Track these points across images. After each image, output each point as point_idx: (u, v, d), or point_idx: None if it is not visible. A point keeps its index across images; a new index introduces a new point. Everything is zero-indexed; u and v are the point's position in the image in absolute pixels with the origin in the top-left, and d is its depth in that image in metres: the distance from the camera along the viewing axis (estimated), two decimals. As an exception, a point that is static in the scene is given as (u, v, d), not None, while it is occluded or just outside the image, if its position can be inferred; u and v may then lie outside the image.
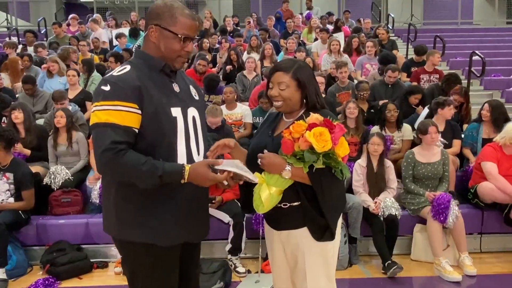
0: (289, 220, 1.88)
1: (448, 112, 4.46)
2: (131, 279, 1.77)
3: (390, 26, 11.10)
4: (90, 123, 1.64)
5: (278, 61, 6.13)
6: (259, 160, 1.75)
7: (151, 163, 1.58)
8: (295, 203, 1.84)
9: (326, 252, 1.88)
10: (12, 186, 3.77)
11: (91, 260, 3.76)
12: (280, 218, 1.90)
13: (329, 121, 1.72)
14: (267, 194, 1.76)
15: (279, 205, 1.84)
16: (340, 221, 1.94)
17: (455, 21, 13.09)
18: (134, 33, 8.34)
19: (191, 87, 1.86)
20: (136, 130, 1.62)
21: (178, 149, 1.68)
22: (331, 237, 1.85)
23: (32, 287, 3.35)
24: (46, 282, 3.42)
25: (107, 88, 1.59)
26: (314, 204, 1.81)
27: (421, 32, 10.36)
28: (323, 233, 1.84)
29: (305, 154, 1.69)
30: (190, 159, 1.72)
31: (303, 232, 1.86)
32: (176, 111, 1.69)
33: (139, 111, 1.60)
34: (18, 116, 4.37)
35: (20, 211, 3.73)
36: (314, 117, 1.74)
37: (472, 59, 6.81)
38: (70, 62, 6.58)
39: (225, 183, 1.62)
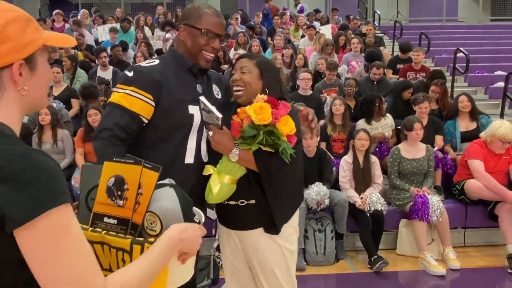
0: (246, 219, 1.82)
1: (424, 109, 4.53)
2: None
3: (376, 23, 11.19)
4: (108, 101, 1.76)
5: None
6: (209, 134, 1.68)
7: None
8: (252, 201, 1.79)
9: (285, 250, 1.84)
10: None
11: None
12: (236, 217, 1.84)
13: (273, 99, 1.68)
14: (218, 185, 1.70)
15: (236, 202, 1.80)
16: (296, 216, 1.89)
17: (440, 18, 13.26)
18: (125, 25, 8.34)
19: (214, 85, 1.90)
20: (145, 120, 1.68)
21: (188, 145, 1.75)
22: (276, 231, 1.79)
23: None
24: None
25: (130, 74, 1.70)
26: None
27: (407, 29, 10.45)
28: (272, 226, 1.79)
29: (246, 129, 1.63)
30: (198, 156, 1.78)
31: (258, 233, 1.81)
32: (193, 109, 1.75)
33: (153, 103, 1.68)
34: None
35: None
36: (260, 97, 1.70)
37: (456, 56, 6.90)
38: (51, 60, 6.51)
39: None
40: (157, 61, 1.77)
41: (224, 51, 7.15)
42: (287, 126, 1.63)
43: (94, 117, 4.22)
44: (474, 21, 14.00)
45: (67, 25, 9.22)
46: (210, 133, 1.68)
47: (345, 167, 3.97)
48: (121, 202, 1.11)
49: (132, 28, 8.99)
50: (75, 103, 5.41)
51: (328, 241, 3.71)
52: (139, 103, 1.65)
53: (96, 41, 8.57)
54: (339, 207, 3.78)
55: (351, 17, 10.53)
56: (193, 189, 1.75)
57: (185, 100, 1.74)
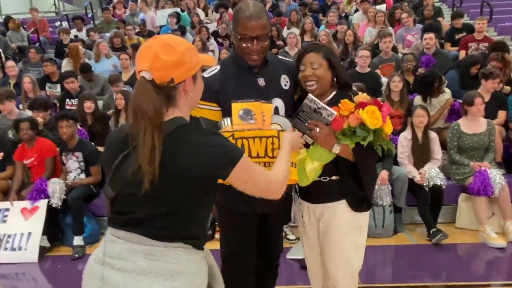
0: (327, 193, 2.00)
1: (491, 85, 4.44)
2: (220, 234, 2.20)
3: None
4: None
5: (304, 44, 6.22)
6: (315, 130, 1.84)
7: None
8: (334, 177, 1.97)
9: (360, 223, 2.00)
10: (82, 163, 4.19)
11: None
12: (318, 192, 2.01)
13: (377, 101, 1.84)
14: (311, 167, 1.88)
15: (319, 179, 1.97)
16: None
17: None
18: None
19: (283, 76, 1.99)
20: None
21: None
22: (368, 207, 1.99)
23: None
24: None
25: None
26: (353, 177, 1.94)
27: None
28: (360, 204, 1.98)
29: (357, 130, 1.80)
30: None
31: (341, 205, 1.97)
32: None
33: (218, 108, 1.95)
34: (90, 106, 4.77)
35: (91, 186, 4.16)
36: (362, 96, 1.86)
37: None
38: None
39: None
40: (218, 68, 1.96)
41: (277, 29, 7.28)
42: (389, 126, 1.82)
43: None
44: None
45: (127, 11, 9.69)
46: (317, 129, 1.84)
47: (403, 143, 4.05)
48: (252, 121, 1.77)
49: (185, 12, 9.23)
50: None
51: (386, 214, 3.86)
52: (208, 112, 1.93)
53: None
54: (399, 182, 3.90)
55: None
56: None
57: (244, 97, 1.88)
